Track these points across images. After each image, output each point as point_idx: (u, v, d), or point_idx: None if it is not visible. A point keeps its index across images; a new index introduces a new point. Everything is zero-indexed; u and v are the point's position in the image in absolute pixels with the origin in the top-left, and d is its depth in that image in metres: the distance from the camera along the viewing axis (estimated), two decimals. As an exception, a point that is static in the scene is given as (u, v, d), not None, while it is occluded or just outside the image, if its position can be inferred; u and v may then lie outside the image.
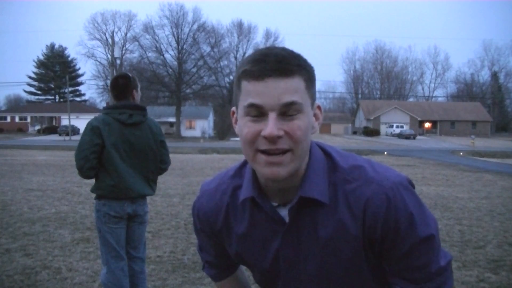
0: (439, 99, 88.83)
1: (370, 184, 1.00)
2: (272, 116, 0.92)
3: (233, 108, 1.04)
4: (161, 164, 3.35)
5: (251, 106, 0.93)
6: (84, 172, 3.04)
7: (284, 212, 1.05)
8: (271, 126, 0.91)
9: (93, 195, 3.20)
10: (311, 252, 1.05)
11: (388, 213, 0.97)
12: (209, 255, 1.27)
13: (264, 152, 0.94)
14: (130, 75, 3.31)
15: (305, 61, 0.98)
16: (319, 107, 1.04)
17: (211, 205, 1.16)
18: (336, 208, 1.01)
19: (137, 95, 3.26)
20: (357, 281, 1.07)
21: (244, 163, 1.14)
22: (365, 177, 1.01)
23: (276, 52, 0.95)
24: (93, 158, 3.03)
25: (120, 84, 3.18)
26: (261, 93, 0.92)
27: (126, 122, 3.12)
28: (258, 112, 0.93)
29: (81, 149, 3.04)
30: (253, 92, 0.93)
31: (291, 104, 0.92)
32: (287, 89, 0.92)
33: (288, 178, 0.97)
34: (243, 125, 0.95)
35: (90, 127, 3.06)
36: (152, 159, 3.27)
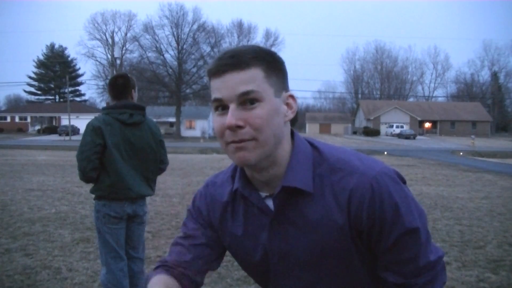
0: (439, 99, 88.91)
1: (354, 174, 1.01)
2: (231, 107, 0.96)
3: (211, 103, 1.09)
4: (160, 164, 3.36)
5: (214, 101, 0.99)
6: (87, 173, 3.01)
7: (271, 203, 1.06)
8: (229, 116, 0.96)
9: (93, 195, 3.19)
10: (299, 241, 1.05)
11: (372, 202, 0.98)
12: (185, 240, 1.19)
13: (231, 142, 0.98)
14: (129, 75, 3.31)
15: (264, 52, 1.01)
16: (291, 96, 1.05)
17: (215, 193, 1.19)
18: (322, 198, 1.02)
19: (135, 95, 3.27)
20: (348, 272, 1.07)
21: None
22: (350, 168, 1.02)
23: (234, 48, 1.00)
24: (95, 159, 3.01)
25: (120, 84, 3.17)
26: (220, 87, 0.98)
27: (127, 122, 3.11)
28: (221, 106, 0.99)
29: (82, 150, 3.01)
30: (214, 88, 1.00)
31: (247, 93, 0.96)
32: (242, 80, 0.96)
33: (260, 164, 1.00)
34: (214, 121, 1.02)
35: (92, 127, 3.03)
36: (152, 159, 3.26)
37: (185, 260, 1.16)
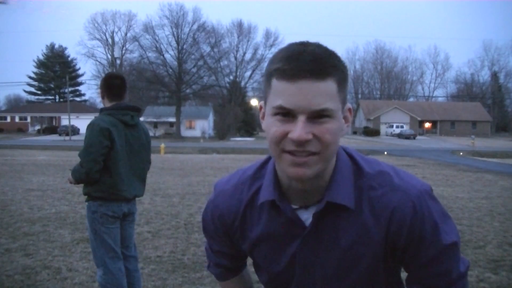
0: (439, 99, 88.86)
1: (396, 192, 0.99)
2: (301, 119, 0.88)
3: (261, 103, 1.01)
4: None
5: (280, 107, 0.89)
6: (93, 175, 2.97)
7: (304, 215, 1.03)
8: (299, 130, 0.88)
9: (85, 196, 3.15)
10: (330, 256, 1.03)
11: (414, 222, 0.97)
12: (217, 257, 1.26)
13: (290, 152, 0.91)
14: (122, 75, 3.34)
15: (339, 60, 0.93)
16: (349, 110, 1.00)
17: (228, 205, 1.12)
18: (360, 213, 1.00)
19: (127, 96, 3.29)
20: (370, 284, 1.06)
21: (264, 163, 1.11)
22: (391, 184, 1.00)
23: (312, 49, 0.90)
24: (101, 161, 2.98)
25: (117, 84, 3.17)
26: (292, 95, 0.88)
27: (129, 123, 3.12)
28: (287, 113, 0.90)
29: (89, 151, 2.97)
30: (284, 93, 0.89)
31: (324, 110, 0.89)
32: (319, 93, 0.88)
33: (313, 179, 0.95)
34: (271, 124, 0.92)
35: (99, 128, 2.98)
36: (146, 160, 3.32)
37: (233, 275, 1.29)
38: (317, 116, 0.89)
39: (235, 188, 1.12)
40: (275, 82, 0.91)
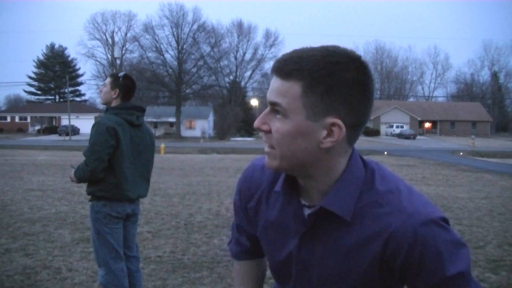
0: (439, 99, 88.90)
1: (400, 214, 0.95)
2: (265, 110, 0.97)
3: None
4: None
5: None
6: (98, 174, 2.96)
7: (308, 213, 1.04)
8: (258, 118, 0.97)
9: (89, 196, 3.15)
10: (325, 259, 1.04)
11: (413, 248, 0.93)
12: (239, 233, 1.29)
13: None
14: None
15: (318, 67, 0.90)
16: (336, 125, 0.92)
17: (254, 179, 1.17)
18: (360, 227, 0.98)
19: None
20: None
21: None
22: (398, 205, 0.96)
23: (298, 52, 0.95)
24: (107, 160, 2.97)
25: (128, 85, 3.18)
26: (269, 87, 0.98)
27: (135, 123, 3.13)
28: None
29: (95, 150, 2.95)
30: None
31: (274, 104, 0.94)
32: (277, 89, 0.94)
33: (292, 173, 1.00)
34: None
35: (105, 127, 2.96)
36: (151, 160, 3.32)
37: (250, 257, 1.31)
38: (273, 110, 0.95)
39: (262, 167, 1.14)
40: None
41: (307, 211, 1.04)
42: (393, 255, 0.96)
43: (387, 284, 1.03)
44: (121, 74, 3.23)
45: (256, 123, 0.97)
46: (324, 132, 0.93)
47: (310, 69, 0.90)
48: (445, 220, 0.97)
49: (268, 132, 0.96)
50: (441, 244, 0.93)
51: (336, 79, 0.91)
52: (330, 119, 0.92)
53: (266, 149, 0.98)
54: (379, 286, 1.02)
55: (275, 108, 0.95)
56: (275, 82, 0.95)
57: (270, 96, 0.95)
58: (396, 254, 0.95)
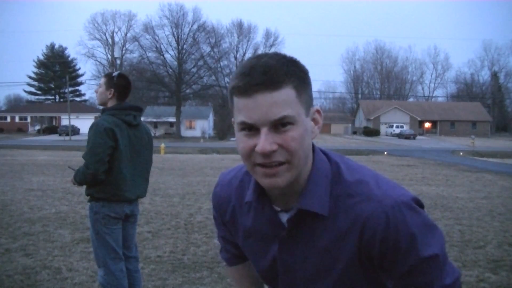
0: (439, 99, 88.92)
1: (370, 201, 0.97)
2: (263, 131, 0.91)
3: (233, 119, 1.02)
4: None
5: (243, 123, 0.93)
6: (99, 176, 2.95)
7: (285, 218, 1.05)
8: (262, 142, 0.90)
9: (88, 197, 3.14)
10: (308, 259, 1.05)
11: (386, 232, 0.95)
12: (225, 242, 1.32)
13: (260, 164, 0.94)
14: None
15: (296, 65, 0.95)
16: (318, 111, 1.02)
17: (223, 195, 1.19)
18: (335, 220, 1.00)
19: None
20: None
21: None
22: (367, 193, 0.98)
23: (264, 61, 0.92)
24: (107, 161, 2.96)
25: (124, 85, 3.17)
26: (250, 109, 0.91)
27: (132, 123, 3.11)
28: (251, 127, 0.93)
29: (95, 152, 2.94)
30: (243, 109, 0.92)
31: (282, 119, 0.91)
32: (275, 103, 0.90)
33: (289, 186, 0.98)
34: (239, 140, 0.96)
35: (103, 129, 2.95)
36: (149, 160, 3.31)
37: (241, 261, 1.32)
38: (279, 125, 0.91)
39: (230, 181, 1.18)
40: (235, 99, 0.94)
41: (284, 216, 1.05)
42: (370, 242, 0.97)
43: (369, 274, 1.03)
44: (115, 73, 3.18)
45: (267, 147, 0.90)
46: (311, 123, 0.99)
47: (292, 70, 0.93)
48: (416, 201, 0.99)
49: (278, 148, 0.92)
50: (413, 226, 0.95)
51: (305, 72, 0.97)
52: (313, 109, 1.00)
53: (272, 170, 0.93)
54: (362, 277, 1.03)
55: (282, 122, 0.91)
56: (267, 98, 0.89)
57: (271, 113, 0.90)
58: (372, 241, 0.97)
